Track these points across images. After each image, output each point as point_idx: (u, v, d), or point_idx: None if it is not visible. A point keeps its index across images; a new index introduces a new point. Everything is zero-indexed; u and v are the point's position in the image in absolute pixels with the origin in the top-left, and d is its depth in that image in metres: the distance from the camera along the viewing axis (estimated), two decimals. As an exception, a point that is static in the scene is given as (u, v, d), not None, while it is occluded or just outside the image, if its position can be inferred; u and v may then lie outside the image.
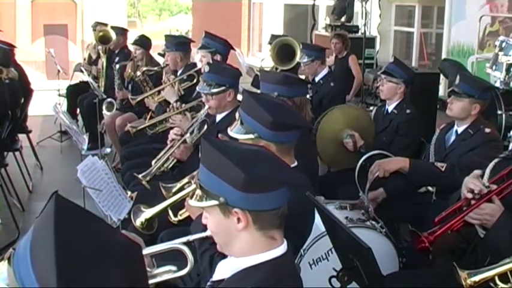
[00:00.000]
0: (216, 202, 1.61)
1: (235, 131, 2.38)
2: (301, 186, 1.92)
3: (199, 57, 5.08)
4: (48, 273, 1.01)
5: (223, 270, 1.74)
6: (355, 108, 4.23)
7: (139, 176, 3.67)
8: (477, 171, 2.47)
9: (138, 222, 2.69)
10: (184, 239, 1.93)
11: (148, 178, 3.67)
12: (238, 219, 1.61)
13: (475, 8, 8.24)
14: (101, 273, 1.06)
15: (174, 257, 1.92)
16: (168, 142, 3.79)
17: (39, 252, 1.05)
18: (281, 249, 1.67)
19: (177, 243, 1.91)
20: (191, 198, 1.74)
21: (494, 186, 2.38)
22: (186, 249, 1.88)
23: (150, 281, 1.81)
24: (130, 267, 1.14)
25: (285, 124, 2.33)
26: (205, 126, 3.74)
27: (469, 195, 2.38)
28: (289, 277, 1.69)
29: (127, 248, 1.16)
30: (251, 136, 2.31)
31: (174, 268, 1.85)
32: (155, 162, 3.71)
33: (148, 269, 1.84)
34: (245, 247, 1.65)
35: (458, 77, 3.54)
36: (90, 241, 1.11)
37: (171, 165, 3.72)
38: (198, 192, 1.69)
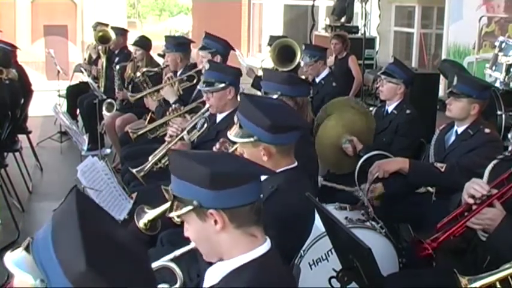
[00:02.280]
0: (190, 207, 1.63)
1: (234, 135, 2.37)
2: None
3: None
4: (75, 257, 1.03)
5: (212, 277, 1.74)
6: (352, 111, 4.20)
7: (134, 170, 3.68)
8: (479, 181, 2.44)
9: (141, 224, 2.70)
10: (171, 256, 1.93)
11: (142, 173, 3.68)
12: (215, 221, 1.63)
13: (472, 9, 8.25)
14: (122, 263, 1.10)
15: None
16: (166, 139, 3.81)
17: (62, 238, 1.08)
18: (265, 246, 1.69)
19: (165, 260, 1.93)
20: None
21: (494, 191, 2.38)
22: (174, 266, 1.91)
23: None
24: (142, 263, 1.17)
25: (284, 126, 2.32)
26: (205, 125, 3.75)
27: (470, 201, 2.37)
28: (278, 273, 1.70)
29: (138, 244, 1.21)
30: (251, 139, 2.30)
31: (166, 286, 1.89)
32: (152, 158, 3.72)
33: None
34: (228, 248, 1.67)
35: (455, 78, 3.54)
36: (110, 232, 1.15)
37: (167, 162, 3.73)
38: (175, 202, 1.70)
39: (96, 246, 1.07)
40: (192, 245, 1.85)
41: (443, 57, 8.76)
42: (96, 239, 1.08)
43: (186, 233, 1.74)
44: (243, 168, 1.69)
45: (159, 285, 1.89)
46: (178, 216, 1.72)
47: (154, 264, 1.91)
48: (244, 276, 1.63)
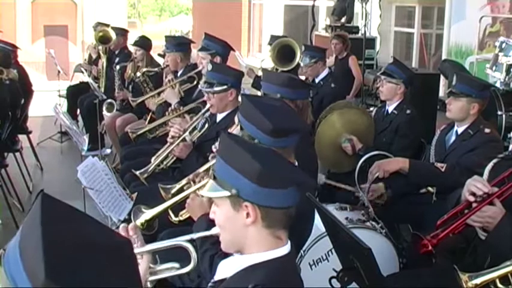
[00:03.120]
0: (228, 193, 1.63)
1: None
2: (309, 188, 1.95)
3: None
4: (37, 267, 1.01)
5: (225, 270, 1.74)
6: (353, 111, 4.21)
7: (137, 172, 3.67)
8: (481, 179, 2.44)
9: (138, 223, 2.69)
10: (188, 237, 1.92)
11: (146, 175, 3.67)
12: (248, 214, 1.62)
13: (475, 9, 8.24)
14: (90, 265, 1.07)
15: (177, 258, 1.92)
16: (168, 140, 3.80)
17: (27, 247, 1.06)
18: (285, 248, 1.69)
19: (180, 240, 1.91)
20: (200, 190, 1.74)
21: (495, 189, 2.38)
22: (189, 246, 1.88)
23: (152, 278, 1.82)
24: (121, 263, 1.14)
25: (285, 130, 2.31)
26: (206, 126, 3.75)
27: (471, 198, 2.37)
28: (291, 277, 1.70)
29: (117, 244, 1.17)
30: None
31: (177, 265, 1.86)
32: (154, 159, 3.72)
33: (151, 265, 1.85)
34: (251, 243, 1.66)
35: (455, 78, 3.54)
36: (77, 235, 1.11)
37: (170, 163, 3.73)
38: (211, 182, 1.70)
39: (58, 253, 1.04)
40: (211, 232, 1.84)
41: (444, 57, 8.75)
42: (60, 245, 1.05)
43: (212, 216, 1.73)
44: (290, 173, 1.69)
45: (170, 263, 1.87)
46: (208, 198, 1.70)
47: (170, 242, 1.91)
48: (257, 274, 1.62)
